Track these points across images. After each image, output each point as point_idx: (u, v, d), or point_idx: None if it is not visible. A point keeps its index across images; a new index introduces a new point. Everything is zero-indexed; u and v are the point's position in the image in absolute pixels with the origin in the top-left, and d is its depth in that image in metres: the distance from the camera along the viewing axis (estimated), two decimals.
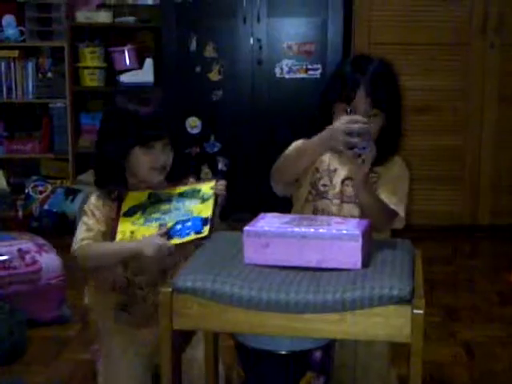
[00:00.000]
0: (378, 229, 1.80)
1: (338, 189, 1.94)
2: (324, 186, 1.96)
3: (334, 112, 1.92)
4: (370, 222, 1.66)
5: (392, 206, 1.88)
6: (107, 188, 1.99)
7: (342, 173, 1.94)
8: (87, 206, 2.00)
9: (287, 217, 1.69)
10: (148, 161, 1.97)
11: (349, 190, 1.93)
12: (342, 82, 1.93)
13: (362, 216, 1.83)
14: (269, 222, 1.63)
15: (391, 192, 1.90)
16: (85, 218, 1.98)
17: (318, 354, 1.75)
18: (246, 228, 1.60)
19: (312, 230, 1.57)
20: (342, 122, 1.79)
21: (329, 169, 1.97)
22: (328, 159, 1.96)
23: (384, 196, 1.89)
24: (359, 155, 1.77)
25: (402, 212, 1.89)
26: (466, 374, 2.53)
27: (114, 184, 1.99)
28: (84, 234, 1.94)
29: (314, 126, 1.96)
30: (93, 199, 2.01)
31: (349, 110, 1.83)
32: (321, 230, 1.56)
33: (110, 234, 1.95)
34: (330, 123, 1.89)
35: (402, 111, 1.99)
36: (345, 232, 1.55)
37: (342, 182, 1.94)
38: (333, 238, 1.55)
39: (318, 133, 1.90)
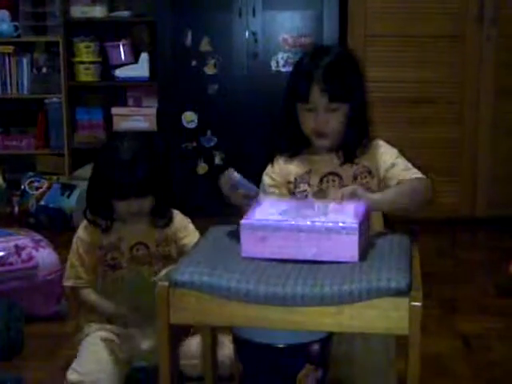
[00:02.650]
0: (420, 202, 1.87)
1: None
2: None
3: (297, 110, 1.91)
4: (367, 209, 1.64)
5: (415, 176, 1.90)
6: (94, 220, 2.17)
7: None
8: (75, 238, 2.21)
9: (284, 203, 1.68)
10: (124, 207, 2.11)
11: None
12: (297, 78, 1.92)
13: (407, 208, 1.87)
14: (265, 212, 1.62)
15: (404, 169, 1.90)
16: (71, 254, 2.20)
17: (315, 347, 1.75)
18: (243, 221, 1.60)
19: (308, 222, 1.56)
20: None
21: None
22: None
23: (402, 177, 1.88)
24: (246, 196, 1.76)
25: (423, 175, 1.93)
26: (464, 367, 2.53)
27: (101, 216, 2.16)
28: (70, 272, 2.20)
29: (280, 128, 1.97)
30: (80, 231, 2.21)
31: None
32: (317, 224, 1.55)
33: (94, 265, 2.17)
34: (297, 124, 1.90)
35: (366, 98, 1.95)
36: (341, 225, 1.54)
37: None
38: (329, 232, 1.55)
39: (284, 136, 1.95)
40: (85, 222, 2.20)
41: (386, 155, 1.93)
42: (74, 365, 2.12)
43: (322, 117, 1.87)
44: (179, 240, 2.21)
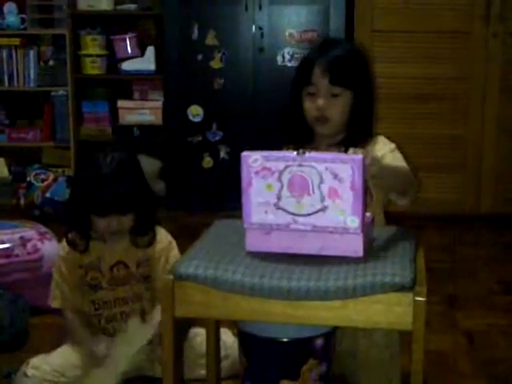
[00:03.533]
0: (411, 195, 1.80)
1: None
2: None
3: (303, 99, 1.91)
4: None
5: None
6: (72, 241, 2.13)
7: None
8: (58, 257, 2.19)
9: (273, 193, 1.57)
10: (104, 224, 2.06)
11: None
12: (301, 64, 1.94)
13: (390, 195, 1.82)
14: (261, 206, 1.58)
15: (392, 162, 1.86)
16: (55, 273, 2.19)
17: (319, 342, 1.75)
18: (246, 224, 1.58)
19: (312, 220, 1.54)
20: None
21: None
22: None
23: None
24: None
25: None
26: (467, 363, 2.53)
27: (80, 233, 2.12)
28: (55, 292, 2.20)
29: (285, 116, 1.97)
30: (61, 250, 2.18)
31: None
32: (319, 224, 1.54)
33: (76, 283, 2.15)
34: (301, 112, 1.90)
35: (373, 94, 1.95)
36: (345, 224, 1.53)
37: None
38: (334, 232, 1.54)
39: (290, 123, 1.95)
40: (62, 245, 2.17)
41: (380, 149, 1.91)
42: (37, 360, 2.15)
43: (324, 100, 1.86)
44: (167, 255, 2.13)
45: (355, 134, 1.91)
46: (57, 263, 2.18)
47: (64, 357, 2.15)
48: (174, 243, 2.16)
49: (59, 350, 2.19)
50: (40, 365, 2.13)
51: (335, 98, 1.87)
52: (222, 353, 1.99)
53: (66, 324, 2.17)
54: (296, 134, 1.96)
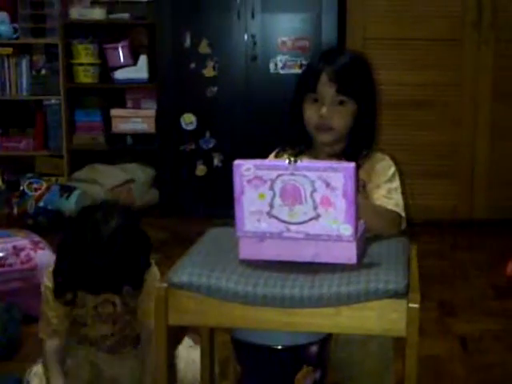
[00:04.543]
0: (387, 235, 1.75)
1: None
2: None
3: (303, 105, 1.89)
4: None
5: (390, 207, 1.81)
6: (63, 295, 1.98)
7: None
8: (43, 287, 2.04)
9: (266, 202, 1.55)
10: (92, 302, 1.96)
11: None
12: (307, 71, 1.92)
13: (369, 228, 1.72)
14: (253, 214, 1.58)
15: (386, 195, 1.83)
16: (43, 305, 2.05)
17: (314, 349, 1.75)
18: (238, 233, 1.58)
19: (305, 229, 1.54)
20: None
21: None
22: None
23: (380, 202, 1.82)
24: None
25: (402, 212, 1.83)
26: (461, 368, 2.54)
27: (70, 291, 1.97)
28: (42, 323, 2.07)
29: (286, 120, 1.96)
30: (47, 280, 2.02)
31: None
32: (313, 232, 1.54)
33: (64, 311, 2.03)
34: (302, 117, 1.88)
35: (377, 105, 1.93)
36: (339, 231, 1.53)
37: None
38: (327, 240, 1.54)
39: (290, 127, 1.91)
40: (49, 271, 2.01)
41: (379, 174, 1.87)
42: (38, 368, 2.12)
43: (328, 108, 1.84)
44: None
45: (356, 144, 1.89)
46: (44, 296, 2.06)
47: None
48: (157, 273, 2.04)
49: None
50: (41, 371, 2.11)
51: (339, 107, 1.85)
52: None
53: (45, 356, 2.07)
54: (295, 142, 1.95)
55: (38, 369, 2.13)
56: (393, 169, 1.90)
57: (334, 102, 1.84)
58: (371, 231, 1.74)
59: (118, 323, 2.07)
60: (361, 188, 1.85)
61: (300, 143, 1.94)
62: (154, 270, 2.03)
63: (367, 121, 1.90)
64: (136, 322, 2.08)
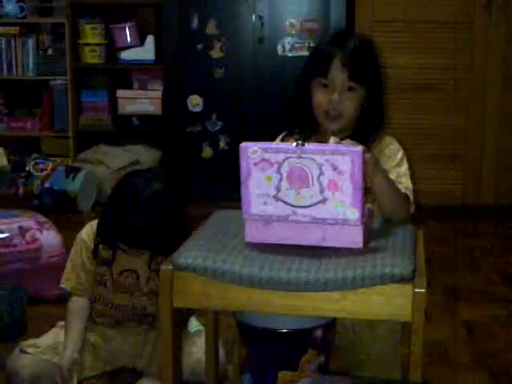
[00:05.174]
0: (396, 218, 1.74)
1: None
2: None
3: (312, 88, 1.86)
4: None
5: (403, 191, 1.80)
6: (98, 252, 2.08)
7: None
8: (78, 239, 2.11)
9: (272, 185, 1.55)
10: (120, 266, 2.06)
11: None
12: (317, 55, 1.88)
13: (381, 209, 1.74)
14: (260, 197, 1.57)
15: (395, 180, 1.81)
16: (74, 255, 2.12)
17: (318, 333, 1.75)
18: (245, 215, 1.57)
19: (311, 212, 1.53)
20: None
21: None
22: None
23: None
24: None
25: (411, 196, 1.82)
26: (466, 354, 2.53)
27: (107, 244, 2.07)
28: (70, 274, 2.12)
29: (293, 103, 1.94)
30: (85, 235, 2.11)
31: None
32: (319, 216, 1.52)
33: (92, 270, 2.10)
34: (309, 100, 1.86)
35: (384, 89, 1.91)
36: (345, 215, 1.52)
37: None
38: (333, 224, 1.53)
39: (296, 113, 1.89)
40: (91, 226, 2.12)
41: (387, 159, 1.86)
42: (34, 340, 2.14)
43: (338, 94, 1.81)
44: None
45: (365, 129, 1.86)
46: (78, 247, 2.11)
47: (55, 338, 2.14)
48: None
49: (50, 332, 2.18)
50: (35, 342, 2.12)
51: (350, 93, 1.82)
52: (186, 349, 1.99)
53: (67, 310, 2.11)
54: (302, 125, 1.92)
55: (30, 341, 2.14)
56: (401, 153, 1.88)
57: (344, 88, 1.82)
58: (382, 207, 1.73)
59: (134, 298, 2.10)
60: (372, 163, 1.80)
61: (307, 127, 1.92)
62: None
63: (376, 106, 1.88)
64: (150, 308, 2.11)
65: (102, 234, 2.06)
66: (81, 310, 2.11)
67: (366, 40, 1.92)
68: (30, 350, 2.09)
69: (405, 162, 1.88)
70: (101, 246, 2.08)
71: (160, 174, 2.08)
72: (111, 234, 2.02)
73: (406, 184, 1.83)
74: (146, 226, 1.95)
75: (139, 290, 2.10)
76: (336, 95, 1.82)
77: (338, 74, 1.81)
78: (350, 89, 1.82)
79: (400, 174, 1.84)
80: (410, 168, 1.90)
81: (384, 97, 1.92)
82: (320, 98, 1.84)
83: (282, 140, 1.94)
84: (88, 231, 2.11)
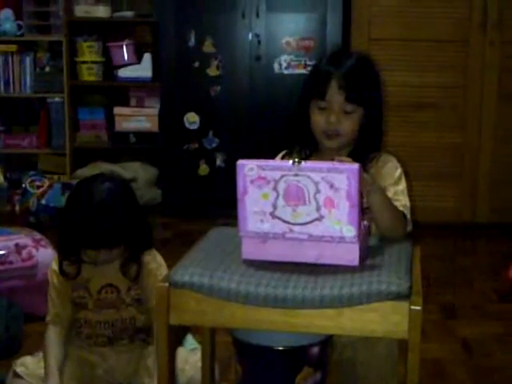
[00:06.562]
0: (394, 236, 1.74)
1: None
2: None
3: (310, 109, 1.87)
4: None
5: (400, 209, 1.80)
6: (62, 268, 2.08)
7: None
8: (49, 271, 2.13)
9: (269, 202, 1.56)
10: (92, 254, 2.03)
11: None
12: (315, 75, 1.88)
13: (378, 226, 1.74)
14: (256, 215, 1.57)
15: (392, 198, 1.81)
16: (50, 289, 2.13)
17: (315, 350, 1.74)
18: (241, 232, 1.57)
19: (308, 230, 1.53)
20: None
21: None
22: None
23: None
24: None
25: (408, 214, 1.82)
26: (463, 371, 2.52)
27: (70, 261, 2.07)
28: (49, 305, 2.14)
29: (291, 124, 1.94)
30: (54, 264, 2.12)
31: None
32: (316, 233, 1.53)
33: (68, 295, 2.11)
34: (308, 122, 1.87)
35: (383, 107, 1.92)
36: (342, 233, 1.52)
37: None
38: (330, 241, 1.53)
39: (295, 132, 1.90)
40: (56, 256, 2.13)
41: (385, 176, 1.86)
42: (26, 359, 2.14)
43: (336, 116, 1.83)
44: (155, 275, 2.05)
45: (363, 148, 1.87)
46: (50, 277, 2.13)
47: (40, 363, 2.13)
48: (164, 265, 2.10)
49: (41, 355, 2.17)
50: (28, 363, 2.12)
51: (348, 114, 1.83)
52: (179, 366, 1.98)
53: (44, 341, 2.11)
54: (301, 145, 1.93)
55: (25, 359, 2.14)
56: (399, 170, 1.89)
57: (341, 111, 1.83)
58: (379, 225, 1.73)
59: (121, 310, 2.09)
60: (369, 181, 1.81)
61: (306, 146, 1.93)
62: (154, 252, 2.11)
63: (374, 125, 1.89)
64: (139, 316, 2.10)
65: (62, 249, 2.06)
66: (56, 339, 2.10)
67: (364, 58, 1.92)
68: (20, 370, 2.09)
69: (403, 179, 1.88)
70: (65, 263, 2.07)
71: (108, 175, 2.11)
72: (72, 244, 2.01)
73: (403, 202, 1.83)
74: (104, 224, 1.95)
75: (123, 302, 2.09)
76: (333, 117, 1.83)
77: (335, 97, 1.82)
78: (348, 111, 1.83)
79: (398, 191, 1.84)
80: (408, 186, 1.90)
81: (383, 116, 1.92)
82: (318, 119, 1.86)
83: (283, 158, 1.95)
84: (56, 260, 2.12)
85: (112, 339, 2.12)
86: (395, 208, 1.78)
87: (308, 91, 1.88)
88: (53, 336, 2.10)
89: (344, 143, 1.87)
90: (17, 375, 2.10)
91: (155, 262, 2.09)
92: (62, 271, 2.07)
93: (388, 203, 1.75)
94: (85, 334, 2.12)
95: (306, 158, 1.89)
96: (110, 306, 2.09)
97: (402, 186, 1.87)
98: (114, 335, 2.12)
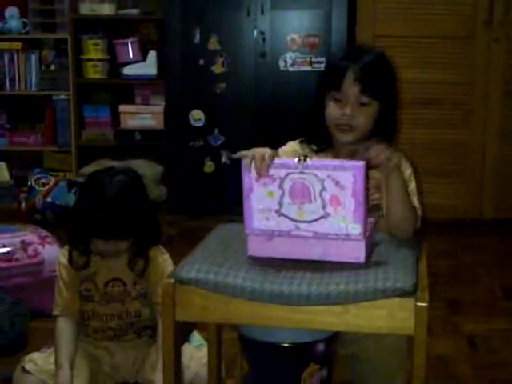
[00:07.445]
0: (401, 233, 1.74)
1: None
2: None
3: (325, 102, 1.87)
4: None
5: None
6: (71, 259, 2.09)
7: None
8: (57, 264, 2.13)
9: (275, 200, 1.56)
10: (100, 245, 2.03)
11: None
12: (332, 69, 1.89)
13: (389, 218, 1.75)
14: (262, 212, 1.58)
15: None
16: (58, 279, 2.13)
17: (320, 346, 1.75)
18: (247, 230, 1.58)
19: (313, 227, 1.54)
20: None
21: None
22: None
23: None
24: None
25: (419, 211, 1.82)
26: (468, 368, 2.53)
27: (79, 250, 2.08)
28: (57, 298, 2.13)
29: (307, 117, 1.94)
30: (62, 257, 2.13)
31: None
32: (321, 231, 1.53)
33: (76, 288, 2.11)
34: (323, 116, 1.86)
35: (398, 104, 1.91)
36: (347, 230, 1.53)
37: None
38: (336, 239, 1.54)
39: (311, 126, 1.89)
40: (66, 248, 2.12)
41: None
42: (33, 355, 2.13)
43: (351, 108, 1.82)
44: (162, 271, 2.06)
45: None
46: (58, 270, 2.14)
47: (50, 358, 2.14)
48: (170, 262, 2.11)
49: (49, 350, 2.17)
50: (36, 359, 2.12)
51: (363, 107, 1.83)
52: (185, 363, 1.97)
53: (55, 334, 2.11)
54: (316, 140, 1.93)
55: (33, 356, 2.13)
56: (410, 170, 1.89)
57: (357, 103, 1.83)
58: (390, 217, 1.73)
59: (126, 304, 2.10)
60: (374, 190, 1.83)
61: (321, 142, 1.92)
62: (161, 247, 2.12)
63: (389, 120, 1.89)
64: (144, 309, 2.11)
65: (72, 240, 2.07)
66: (68, 331, 2.10)
67: (381, 54, 1.92)
68: (29, 366, 2.09)
69: (413, 179, 1.88)
70: (74, 253, 2.08)
71: (122, 169, 2.11)
72: (83, 233, 2.02)
73: (413, 203, 1.82)
74: (118, 215, 1.96)
75: (129, 296, 2.11)
76: (348, 109, 1.82)
77: (350, 88, 1.82)
78: (363, 104, 1.83)
79: (408, 190, 1.84)
80: (418, 185, 1.90)
81: (397, 111, 1.92)
82: (332, 110, 1.85)
83: (300, 143, 1.94)
84: (64, 252, 2.12)
85: (118, 333, 2.13)
86: (409, 201, 1.77)
87: (324, 84, 1.88)
88: (64, 327, 2.10)
89: (357, 137, 1.87)
90: (26, 371, 2.10)
91: (162, 257, 2.11)
92: (70, 261, 2.08)
93: (405, 192, 1.74)
94: (92, 327, 2.13)
95: (320, 152, 1.91)
96: (116, 299, 2.10)
97: (413, 185, 1.87)
98: (120, 328, 2.13)
